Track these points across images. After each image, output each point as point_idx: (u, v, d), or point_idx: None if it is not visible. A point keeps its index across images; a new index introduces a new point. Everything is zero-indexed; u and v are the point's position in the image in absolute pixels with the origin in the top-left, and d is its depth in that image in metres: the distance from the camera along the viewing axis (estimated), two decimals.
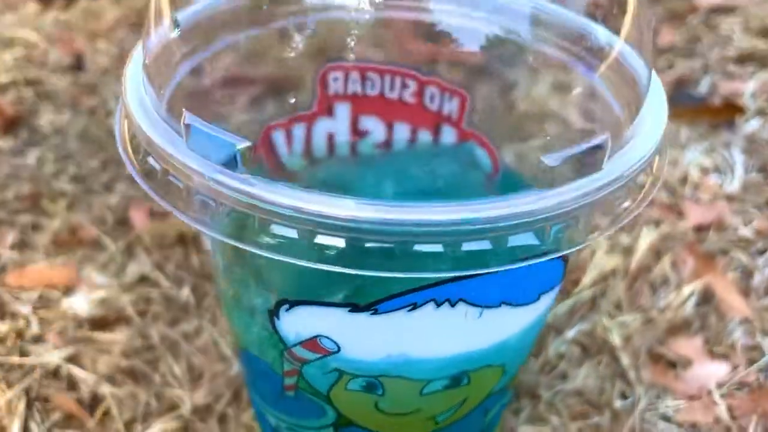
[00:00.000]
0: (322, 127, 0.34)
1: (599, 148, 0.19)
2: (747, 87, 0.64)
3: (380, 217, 0.18)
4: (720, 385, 0.39)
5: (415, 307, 0.22)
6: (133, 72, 0.24)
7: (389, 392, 0.25)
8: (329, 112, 0.34)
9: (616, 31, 0.25)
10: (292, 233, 0.19)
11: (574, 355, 0.41)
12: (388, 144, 0.35)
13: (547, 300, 0.25)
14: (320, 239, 0.18)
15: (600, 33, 0.25)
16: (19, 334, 0.41)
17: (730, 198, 0.52)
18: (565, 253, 0.19)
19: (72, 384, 0.39)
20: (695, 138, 0.58)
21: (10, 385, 0.38)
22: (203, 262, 0.46)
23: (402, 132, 0.35)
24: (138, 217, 0.48)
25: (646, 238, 0.47)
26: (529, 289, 0.23)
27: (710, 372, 0.40)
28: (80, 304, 0.42)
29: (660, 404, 0.38)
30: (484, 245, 0.18)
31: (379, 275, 0.18)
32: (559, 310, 0.43)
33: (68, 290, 0.43)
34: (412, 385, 0.24)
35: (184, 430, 0.36)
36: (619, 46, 0.24)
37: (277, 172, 0.33)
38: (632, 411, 0.38)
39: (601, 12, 0.26)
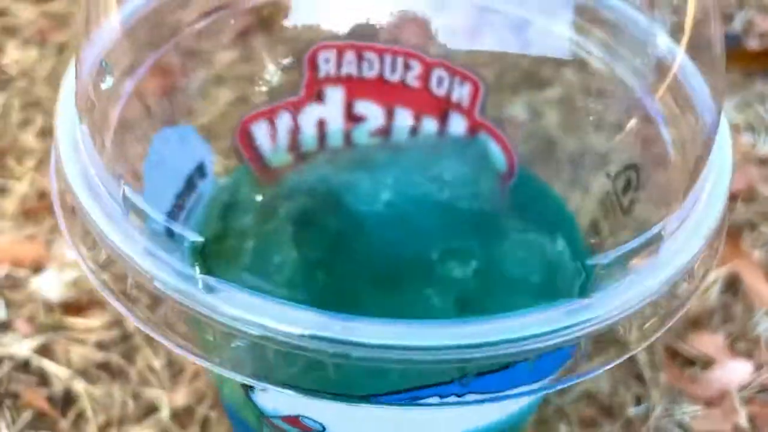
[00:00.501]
0: (311, 114, 0.30)
1: (657, 238, 0.15)
2: None
3: (363, 340, 0.14)
4: (742, 388, 0.36)
5: (415, 399, 0.18)
6: (65, 113, 0.19)
7: None
8: (319, 97, 0.29)
9: (678, 42, 0.20)
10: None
11: (586, 352, 0.38)
12: (386, 131, 0.30)
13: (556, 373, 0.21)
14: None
15: (660, 40, 0.21)
16: None
17: (762, 161, 0.48)
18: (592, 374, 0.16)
19: (44, 379, 0.36)
20: (728, 90, 0.53)
21: None
22: None
23: (403, 119, 0.30)
24: None
25: None
26: (541, 373, 0.20)
27: (732, 373, 0.37)
28: (51, 285, 0.39)
29: (676, 410, 0.35)
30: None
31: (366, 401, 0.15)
32: None
33: (37, 268, 0.40)
34: None
35: None
36: (681, 63, 0.20)
37: (261, 171, 0.28)
38: (647, 419, 0.35)
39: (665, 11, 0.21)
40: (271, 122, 0.29)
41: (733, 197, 0.46)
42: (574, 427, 0.35)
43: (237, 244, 0.23)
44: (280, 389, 0.15)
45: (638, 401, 0.36)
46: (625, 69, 0.23)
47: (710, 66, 0.21)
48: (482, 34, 0.29)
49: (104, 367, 0.36)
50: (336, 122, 0.30)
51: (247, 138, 0.28)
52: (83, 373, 0.36)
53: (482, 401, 0.17)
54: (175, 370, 0.36)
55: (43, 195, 0.43)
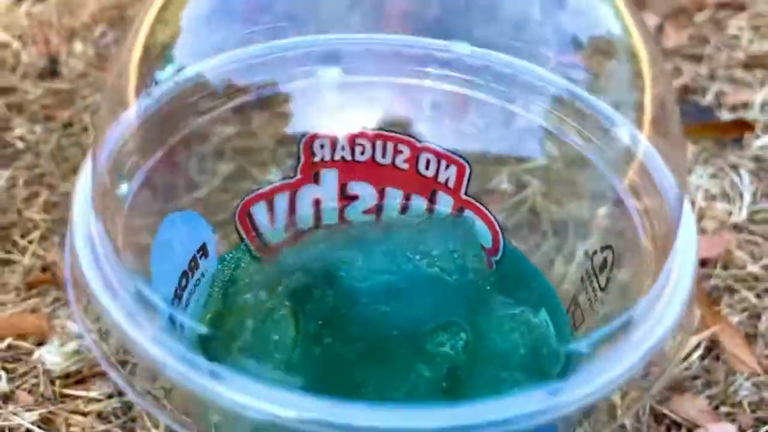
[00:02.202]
0: (308, 194, 0.32)
1: (627, 323, 0.17)
2: (756, 97, 0.61)
3: (363, 425, 0.15)
4: None
5: None
6: (80, 210, 0.21)
7: None
8: (315, 179, 0.31)
9: (640, 127, 0.23)
10: None
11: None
12: (378, 210, 0.32)
13: None
14: None
15: (624, 131, 0.23)
16: None
17: (737, 228, 0.50)
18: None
19: None
20: (701, 158, 0.55)
21: None
22: None
23: (394, 198, 0.32)
24: None
25: None
26: None
27: None
28: (52, 357, 0.40)
29: None
30: None
31: None
32: None
33: (39, 340, 0.41)
34: None
35: None
36: (644, 150, 0.22)
37: (260, 249, 0.30)
38: None
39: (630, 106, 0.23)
40: (270, 203, 0.31)
41: (711, 263, 0.48)
42: None
43: (238, 322, 0.25)
44: None
45: None
46: (596, 156, 0.24)
47: (672, 151, 0.23)
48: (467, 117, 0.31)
49: None
50: (331, 201, 0.32)
51: (247, 218, 0.30)
52: None
53: None
54: None
55: (46, 268, 0.45)
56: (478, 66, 0.28)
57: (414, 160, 0.31)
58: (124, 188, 0.23)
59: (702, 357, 0.42)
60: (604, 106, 0.24)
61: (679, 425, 0.39)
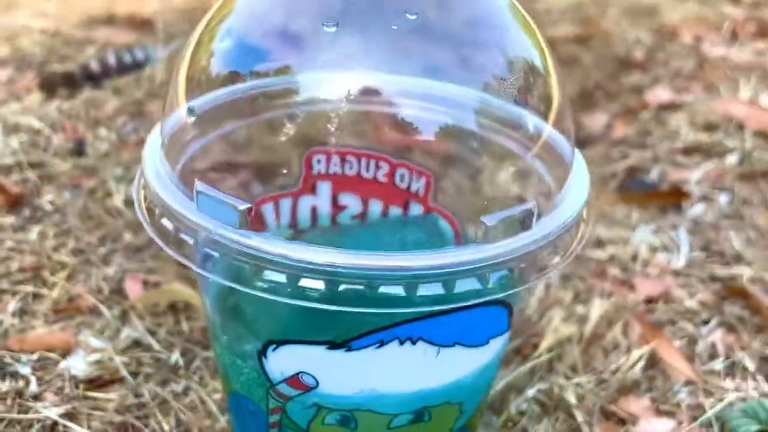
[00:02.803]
0: (307, 202, 0.39)
1: (529, 212, 0.24)
2: (693, 175, 0.71)
3: (352, 263, 0.22)
4: None
5: (382, 344, 0.26)
6: (151, 149, 0.29)
7: (361, 426, 0.28)
8: (313, 189, 0.39)
9: (545, 119, 0.31)
10: (281, 278, 0.23)
11: (534, 412, 0.44)
12: (363, 216, 0.40)
13: (496, 345, 0.29)
14: (304, 282, 0.23)
15: (532, 120, 0.31)
16: (19, 393, 0.44)
17: (676, 273, 0.58)
18: (502, 296, 0.24)
19: None
20: (645, 220, 0.63)
21: None
22: (192, 328, 0.49)
23: (376, 206, 0.40)
24: (132, 288, 0.52)
25: (599, 308, 0.52)
26: (479, 333, 0.27)
27: (657, 428, 0.44)
28: (77, 365, 0.45)
29: None
30: (437, 288, 0.23)
31: (351, 311, 0.23)
32: (519, 372, 0.47)
33: (66, 353, 0.47)
34: (380, 419, 0.28)
35: None
36: (548, 131, 0.30)
37: None
38: None
39: (533, 103, 0.31)
40: (276, 205, 0.38)
41: (654, 300, 0.55)
42: None
43: None
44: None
45: None
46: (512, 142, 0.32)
47: (566, 131, 0.31)
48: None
49: (121, 427, 0.42)
50: (325, 208, 0.39)
51: (258, 216, 0.37)
52: None
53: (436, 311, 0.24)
54: (183, 430, 0.42)
55: (73, 299, 0.51)
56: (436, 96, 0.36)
57: (391, 174, 0.39)
58: (191, 119, 0.29)
59: (644, 368, 0.48)
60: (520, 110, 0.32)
61: (624, 420, 0.44)
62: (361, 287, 0.23)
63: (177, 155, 0.30)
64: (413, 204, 0.39)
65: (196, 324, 0.50)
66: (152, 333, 0.48)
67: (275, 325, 0.27)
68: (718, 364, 0.49)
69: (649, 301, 0.54)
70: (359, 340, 0.26)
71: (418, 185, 0.38)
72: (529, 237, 0.24)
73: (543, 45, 0.30)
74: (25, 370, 0.45)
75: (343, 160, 0.39)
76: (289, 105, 0.35)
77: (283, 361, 0.27)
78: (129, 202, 0.62)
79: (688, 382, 0.47)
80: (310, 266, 0.22)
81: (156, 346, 0.47)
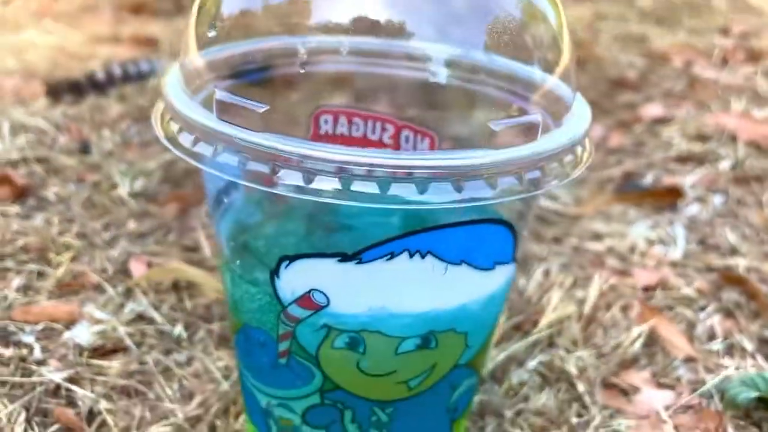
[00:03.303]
0: None
1: (534, 123, 0.25)
2: (686, 180, 0.72)
3: (366, 161, 0.23)
4: (667, 408, 0.43)
5: (392, 256, 0.26)
6: (171, 80, 0.30)
7: (369, 350, 0.29)
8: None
9: (550, 71, 0.32)
10: (298, 178, 0.24)
11: (535, 383, 0.44)
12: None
13: (502, 274, 0.30)
14: (317, 183, 0.24)
15: (537, 74, 0.32)
16: (23, 359, 0.44)
17: (673, 264, 0.58)
18: (508, 199, 0.25)
19: (71, 401, 0.41)
20: (642, 217, 0.65)
21: (12, 400, 0.41)
22: (195, 305, 0.50)
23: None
24: (137, 268, 0.52)
25: (598, 290, 0.53)
26: (485, 254, 0.28)
27: (658, 398, 0.44)
28: (81, 335, 0.46)
29: (613, 422, 0.42)
30: (448, 188, 0.24)
31: (362, 205, 0.23)
32: (520, 346, 0.47)
33: (70, 324, 0.47)
34: (388, 342, 0.29)
35: None
36: (553, 81, 0.31)
37: (276, 196, 0.38)
38: (587, 427, 0.41)
39: (540, 58, 0.32)
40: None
41: (652, 288, 0.56)
42: (526, 424, 0.41)
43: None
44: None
45: (580, 416, 0.42)
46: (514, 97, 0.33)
47: (569, 79, 0.32)
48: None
49: (124, 391, 0.42)
50: None
51: None
52: (106, 396, 0.42)
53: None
54: (186, 393, 0.42)
55: (77, 276, 0.51)
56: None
57: (397, 136, 0.40)
58: (213, 33, 0.30)
59: (643, 345, 0.48)
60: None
61: (625, 391, 0.44)
62: (374, 185, 0.23)
63: (193, 90, 0.31)
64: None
65: (199, 301, 0.50)
66: (156, 308, 0.49)
67: (287, 246, 0.28)
68: (717, 345, 0.49)
69: (647, 288, 0.55)
70: (370, 252, 0.26)
71: (423, 146, 0.40)
72: (535, 146, 0.25)
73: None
74: (29, 339, 0.45)
75: (350, 122, 0.40)
76: (302, 63, 0.36)
77: (294, 279, 0.27)
78: (133, 194, 0.63)
79: (688, 359, 0.47)
80: (327, 166, 0.23)
81: (159, 319, 0.48)
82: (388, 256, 0.26)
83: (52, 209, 0.60)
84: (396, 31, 0.36)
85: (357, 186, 0.24)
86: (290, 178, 0.24)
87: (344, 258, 0.27)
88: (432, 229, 0.26)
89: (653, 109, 0.90)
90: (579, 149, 0.28)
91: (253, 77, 0.36)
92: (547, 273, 0.55)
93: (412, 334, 0.29)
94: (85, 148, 0.71)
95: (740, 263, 0.58)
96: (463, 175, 0.24)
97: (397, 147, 0.40)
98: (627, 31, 1.26)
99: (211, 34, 0.30)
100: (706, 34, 1.28)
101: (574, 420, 0.42)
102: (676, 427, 0.42)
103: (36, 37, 1.03)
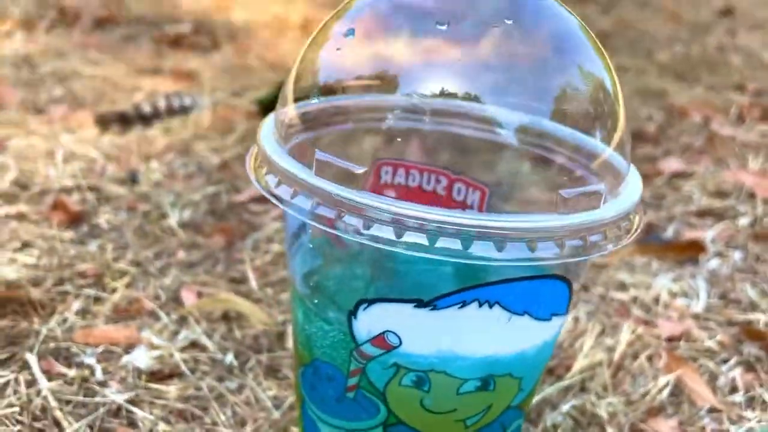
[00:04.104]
0: None
1: (599, 193, 0.28)
2: (707, 234, 0.75)
3: (450, 220, 0.26)
4: None
5: (464, 304, 0.29)
6: (266, 132, 0.33)
7: (434, 389, 0.31)
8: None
9: (607, 142, 0.35)
10: (389, 232, 0.27)
11: (568, 425, 0.47)
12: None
13: (556, 323, 0.33)
14: (408, 237, 0.27)
15: (594, 144, 0.35)
16: (85, 380, 0.46)
17: (696, 317, 0.61)
18: (574, 260, 0.28)
19: (132, 422, 0.44)
20: (664, 270, 0.67)
21: (77, 419, 0.43)
22: (245, 335, 0.52)
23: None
24: (188, 297, 0.55)
25: (626, 336, 0.55)
26: (544, 306, 0.31)
27: None
28: (140, 358, 0.48)
29: None
30: (521, 248, 0.27)
31: (445, 259, 0.26)
32: (553, 389, 0.49)
33: (129, 348, 0.49)
34: (452, 382, 0.31)
35: None
36: (608, 152, 0.34)
37: (336, 241, 0.41)
38: None
39: (598, 129, 0.35)
40: None
41: (676, 339, 0.58)
42: None
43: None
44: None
45: None
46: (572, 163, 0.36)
47: (624, 152, 0.35)
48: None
49: (181, 414, 0.45)
50: None
51: None
52: (165, 419, 0.44)
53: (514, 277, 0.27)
54: (239, 419, 0.45)
55: (133, 302, 0.54)
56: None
57: (449, 188, 0.43)
58: (315, 100, 0.33)
59: (670, 394, 0.51)
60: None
61: None
62: (457, 241, 0.26)
63: (285, 141, 0.34)
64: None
65: (248, 332, 0.53)
66: (208, 336, 0.51)
67: (359, 290, 0.31)
68: (739, 397, 0.52)
69: (671, 339, 0.58)
70: (444, 299, 0.29)
71: (474, 197, 0.43)
72: (600, 213, 0.28)
73: (611, 68, 0.35)
74: (91, 361, 0.48)
75: (407, 173, 0.43)
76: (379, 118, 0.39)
77: (371, 320, 0.30)
78: (183, 224, 0.66)
79: (712, 410, 0.50)
80: (415, 222, 0.26)
81: (212, 347, 0.50)
82: (461, 305, 0.29)
83: (105, 236, 0.63)
84: (471, 97, 0.38)
85: (441, 243, 0.27)
86: (379, 230, 0.27)
87: (420, 304, 0.30)
88: (501, 282, 0.29)
89: (673, 164, 0.94)
90: (633, 215, 0.31)
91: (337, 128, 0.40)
92: (576, 320, 0.58)
93: (473, 377, 0.32)
94: (133, 178, 0.74)
95: (761, 318, 0.61)
96: (535, 237, 0.27)
97: (449, 198, 0.43)
98: (646, 85, 1.30)
99: (313, 100, 0.34)
100: (723, 90, 1.32)
101: None
102: None
103: (80, 67, 1.07)
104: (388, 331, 0.31)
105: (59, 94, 0.95)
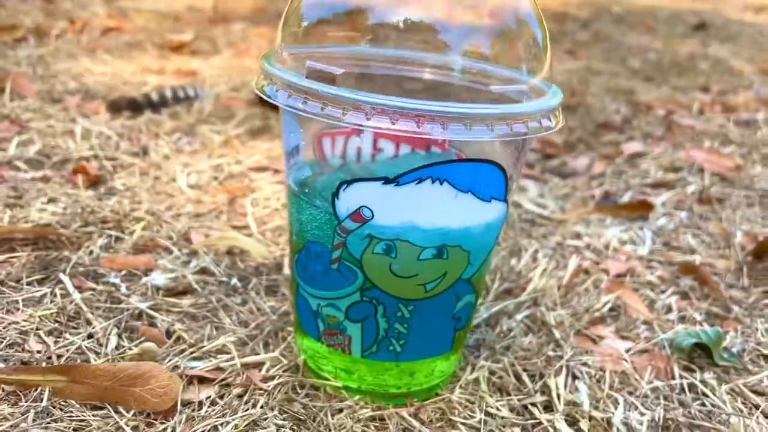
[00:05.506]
0: (354, 142, 0.52)
1: (521, 92, 0.37)
2: (658, 200, 0.84)
3: (408, 106, 0.35)
4: (627, 351, 0.54)
5: (420, 181, 0.38)
6: (266, 59, 0.42)
7: (399, 255, 0.40)
8: (359, 133, 0.52)
9: (534, 73, 0.44)
10: (362, 117, 0.36)
11: (521, 329, 0.55)
12: (395, 157, 0.52)
13: (496, 208, 0.41)
14: (374, 120, 0.36)
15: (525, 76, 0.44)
16: (111, 293, 0.55)
17: (640, 258, 0.70)
18: (504, 139, 0.36)
19: (152, 323, 0.52)
20: (616, 224, 0.76)
21: (106, 319, 0.52)
22: (246, 266, 0.61)
23: (405, 148, 0.52)
24: (197, 237, 0.64)
25: (575, 265, 0.64)
26: (485, 188, 0.39)
27: (620, 344, 0.55)
28: (157, 279, 0.57)
29: (582, 358, 0.52)
30: (461, 128, 0.35)
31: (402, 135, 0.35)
32: (509, 303, 0.58)
33: (147, 271, 0.58)
34: (413, 250, 0.40)
35: (240, 344, 0.50)
36: (535, 80, 0.43)
37: (323, 164, 0.50)
38: (561, 360, 0.52)
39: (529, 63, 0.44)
40: (333, 140, 0.51)
41: (622, 275, 0.66)
42: (512, 359, 0.51)
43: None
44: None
45: (555, 351, 0.53)
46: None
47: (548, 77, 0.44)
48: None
49: (194, 317, 0.53)
50: (367, 149, 0.52)
51: (319, 145, 0.50)
52: (180, 321, 0.52)
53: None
54: (242, 321, 0.53)
55: (149, 240, 0.63)
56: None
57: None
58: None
59: (611, 309, 0.59)
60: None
61: (593, 340, 0.55)
62: (412, 122, 0.35)
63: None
64: (433, 148, 0.52)
65: (250, 263, 0.61)
66: (216, 264, 0.60)
67: (348, 173, 0.39)
68: (673, 315, 0.60)
69: (618, 276, 0.66)
70: (405, 176, 0.38)
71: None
72: (521, 107, 0.37)
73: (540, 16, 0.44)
74: (115, 280, 0.56)
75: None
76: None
77: (349, 198, 0.39)
78: (190, 186, 0.75)
79: (646, 322, 0.58)
80: (380, 107, 0.35)
81: (219, 273, 0.59)
82: (417, 181, 0.38)
83: (122, 195, 0.72)
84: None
85: (399, 124, 0.35)
86: (351, 116, 0.36)
87: (386, 181, 0.38)
88: (448, 162, 0.38)
89: (634, 146, 1.03)
90: (554, 115, 0.40)
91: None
92: (534, 258, 0.67)
93: (430, 245, 0.40)
94: (145, 151, 0.83)
95: (697, 259, 0.69)
96: (472, 121, 0.36)
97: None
98: (616, 85, 1.40)
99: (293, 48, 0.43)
100: (688, 90, 1.42)
101: (551, 353, 0.52)
102: (632, 363, 0.52)
103: (91, 66, 1.16)
104: (363, 206, 0.39)
105: (73, 87, 1.04)
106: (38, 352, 0.47)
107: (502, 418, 0.46)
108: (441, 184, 0.38)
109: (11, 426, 0.41)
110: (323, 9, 0.46)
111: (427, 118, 0.36)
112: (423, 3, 0.43)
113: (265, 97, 0.39)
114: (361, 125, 0.36)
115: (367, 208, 0.39)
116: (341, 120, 0.37)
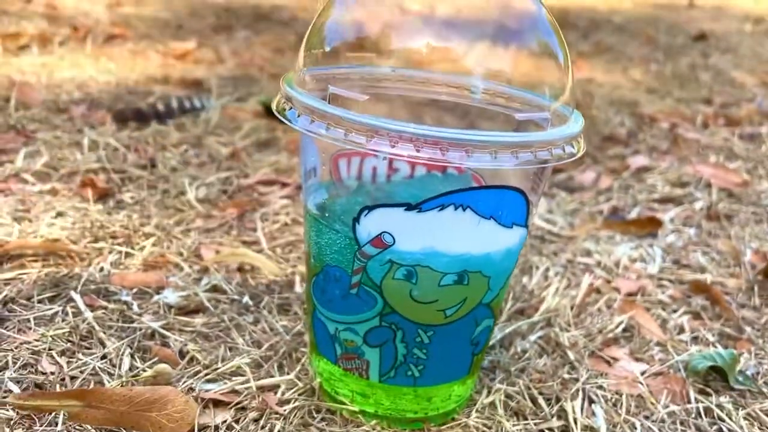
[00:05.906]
0: (370, 163, 0.52)
1: (545, 119, 0.37)
2: (666, 216, 0.84)
3: (433, 134, 0.35)
4: (642, 373, 0.54)
5: (442, 207, 0.37)
6: (287, 82, 0.41)
7: (420, 281, 0.40)
8: (377, 155, 0.51)
9: (556, 97, 0.44)
10: (385, 145, 0.35)
11: (536, 351, 0.55)
12: (411, 177, 0.52)
13: (517, 233, 0.41)
14: (398, 148, 0.35)
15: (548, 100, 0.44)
16: (123, 312, 0.54)
17: (650, 277, 0.69)
18: (528, 167, 0.36)
19: (165, 343, 0.52)
20: (626, 241, 0.76)
21: (119, 339, 0.51)
22: (258, 284, 0.60)
23: (421, 170, 0.52)
24: (207, 253, 0.63)
25: (588, 284, 0.63)
26: (507, 214, 0.39)
27: (635, 366, 0.54)
28: (169, 297, 0.56)
29: (597, 380, 0.52)
30: (486, 156, 0.35)
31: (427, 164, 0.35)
32: (523, 324, 0.58)
33: (159, 289, 0.57)
34: (434, 275, 0.39)
35: (255, 366, 0.49)
36: (557, 105, 0.43)
37: (339, 185, 0.49)
38: (576, 382, 0.52)
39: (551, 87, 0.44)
40: (348, 161, 0.51)
41: (633, 294, 0.66)
42: (528, 382, 0.51)
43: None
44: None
45: (570, 374, 0.53)
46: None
47: (570, 104, 0.44)
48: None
49: (207, 337, 0.52)
50: (382, 169, 0.52)
51: (335, 166, 0.50)
52: (193, 340, 0.52)
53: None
54: (255, 341, 0.53)
55: (159, 257, 0.62)
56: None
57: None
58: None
59: (624, 330, 0.59)
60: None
61: (608, 362, 0.55)
62: (437, 150, 0.35)
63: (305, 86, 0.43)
64: (450, 170, 0.52)
65: (261, 281, 0.61)
66: (227, 282, 0.59)
67: (369, 197, 0.39)
68: (685, 336, 0.60)
69: (629, 294, 0.66)
70: (428, 203, 0.37)
71: None
72: (545, 134, 0.37)
73: (564, 42, 0.44)
74: (127, 298, 0.56)
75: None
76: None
77: (370, 224, 0.38)
78: (199, 200, 0.74)
79: (660, 343, 0.58)
80: (405, 134, 0.35)
81: (230, 291, 0.58)
82: (440, 207, 0.38)
83: (131, 209, 0.71)
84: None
85: (424, 152, 0.35)
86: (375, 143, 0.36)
87: (409, 207, 0.38)
88: (471, 189, 0.38)
89: (640, 160, 1.03)
90: (577, 142, 0.40)
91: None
92: (546, 277, 0.66)
93: (451, 271, 0.40)
94: (152, 163, 0.82)
95: (708, 278, 0.69)
96: (497, 148, 0.35)
97: None
98: (620, 97, 1.40)
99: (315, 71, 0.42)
100: (691, 102, 1.42)
101: (566, 376, 0.52)
102: (648, 387, 0.52)
103: (96, 75, 1.16)
104: (384, 232, 0.39)
105: (78, 96, 1.04)
106: (51, 373, 0.47)
107: None
108: (464, 210, 0.38)
109: None
110: (346, 31, 0.46)
111: (451, 146, 0.36)
112: (445, 25, 0.43)
113: (286, 122, 0.39)
114: (386, 153, 0.36)
115: (389, 234, 0.39)
116: (364, 147, 0.36)
